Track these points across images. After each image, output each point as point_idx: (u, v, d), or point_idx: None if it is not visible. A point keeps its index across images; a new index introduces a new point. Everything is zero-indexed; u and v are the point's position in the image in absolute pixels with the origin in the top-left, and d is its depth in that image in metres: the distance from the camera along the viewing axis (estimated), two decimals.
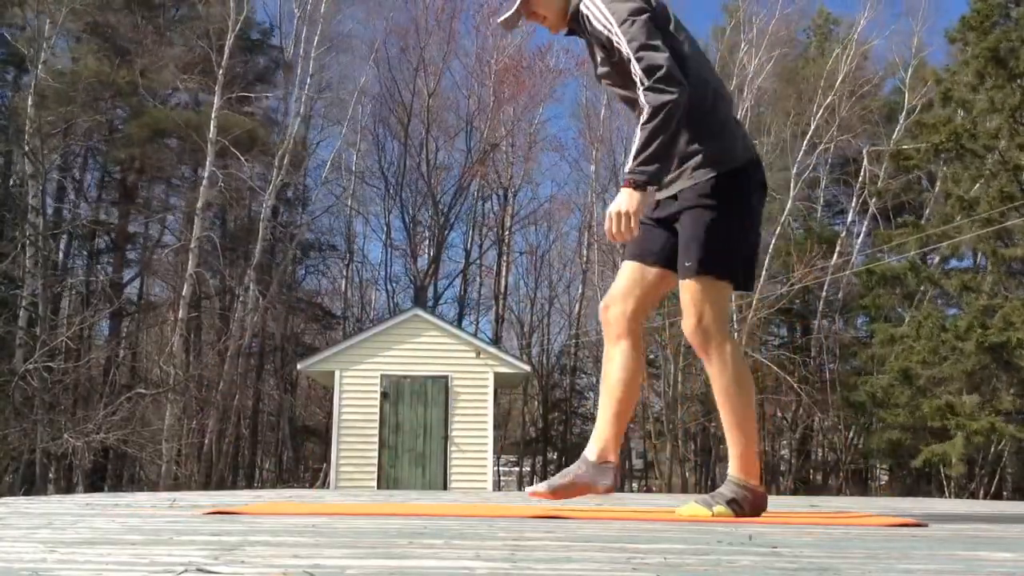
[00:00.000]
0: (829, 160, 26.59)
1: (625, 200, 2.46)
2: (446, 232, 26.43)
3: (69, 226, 21.98)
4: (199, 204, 20.75)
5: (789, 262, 23.82)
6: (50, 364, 16.94)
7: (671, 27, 2.60)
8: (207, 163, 20.48)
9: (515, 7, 2.66)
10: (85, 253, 24.08)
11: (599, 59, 2.66)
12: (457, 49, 27.06)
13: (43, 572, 1.15)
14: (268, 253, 23.41)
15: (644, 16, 2.51)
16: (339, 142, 25.29)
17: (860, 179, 25.25)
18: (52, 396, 17.84)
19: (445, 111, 26.77)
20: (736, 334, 23.20)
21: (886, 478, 26.43)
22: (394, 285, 27.57)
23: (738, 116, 19.33)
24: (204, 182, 20.68)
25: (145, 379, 21.40)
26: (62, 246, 22.72)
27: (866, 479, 26.63)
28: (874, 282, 20.46)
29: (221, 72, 20.82)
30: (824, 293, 25.08)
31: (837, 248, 24.72)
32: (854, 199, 25.85)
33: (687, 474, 23.63)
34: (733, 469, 2.58)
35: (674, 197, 2.62)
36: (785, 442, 26.33)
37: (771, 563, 1.33)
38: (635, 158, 2.45)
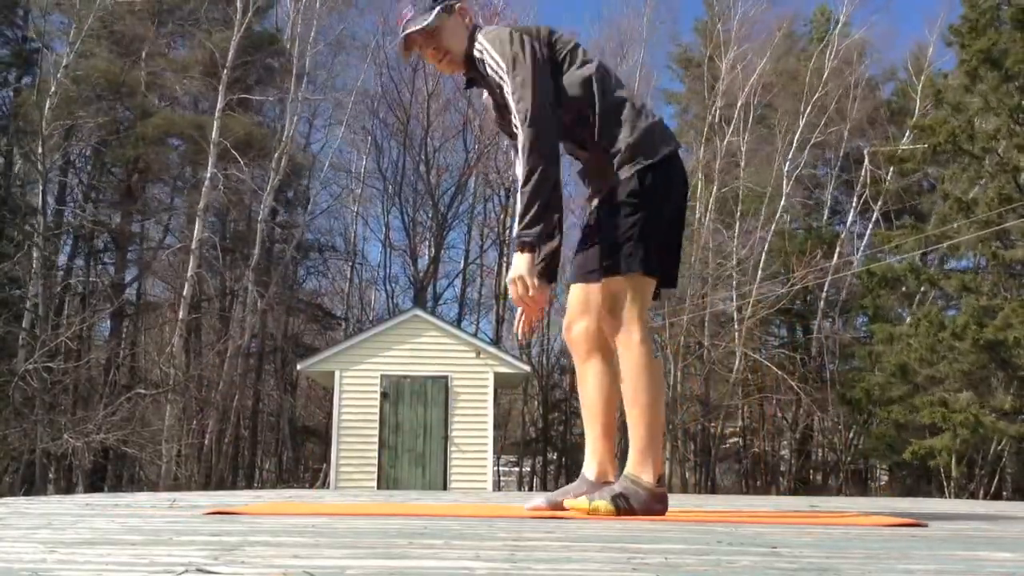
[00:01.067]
0: (839, 161, 26.62)
1: (517, 265, 2.52)
2: (445, 232, 26.44)
3: (70, 227, 21.97)
4: (200, 205, 20.75)
5: (788, 262, 23.85)
6: (50, 364, 16.94)
7: (559, 52, 2.61)
8: (209, 165, 20.48)
9: (423, 25, 2.63)
10: (86, 254, 24.09)
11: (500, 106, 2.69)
12: None
13: (43, 572, 1.15)
14: (268, 254, 23.42)
15: (527, 63, 2.53)
16: (338, 142, 25.35)
17: (861, 180, 25.28)
18: (52, 396, 17.84)
19: (444, 111, 26.79)
20: (736, 335, 23.23)
21: (886, 478, 26.46)
22: (394, 285, 27.58)
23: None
24: (206, 184, 20.67)
25: (145, 379, 21.40)
26: (66, 247, 22.74)
27: (866, 479, 26.65)
28: (874, 283, 20.49)
29: (225, 74, 20.80)
30: (825, 293, 25.11)
31: (837, 248, 24.74)
32: (855, 200, 25.88)
33: (687, 474, 23.63)
34: (629, 465, 2.52)
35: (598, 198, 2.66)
36: (785, 442, 26.34)
37: (771, 563, 1.33)
38: (519, 222, 2.51)
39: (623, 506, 2.44)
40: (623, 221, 2.54)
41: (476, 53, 2.62)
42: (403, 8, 2.70)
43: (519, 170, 2.53)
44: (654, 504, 2.47)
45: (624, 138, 2.58)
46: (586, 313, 2.73)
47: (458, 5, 2.68)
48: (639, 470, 2.49)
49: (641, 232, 2.54)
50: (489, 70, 2.59)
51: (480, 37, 2.63)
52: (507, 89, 2.54)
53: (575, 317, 2.75)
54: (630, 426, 2.55)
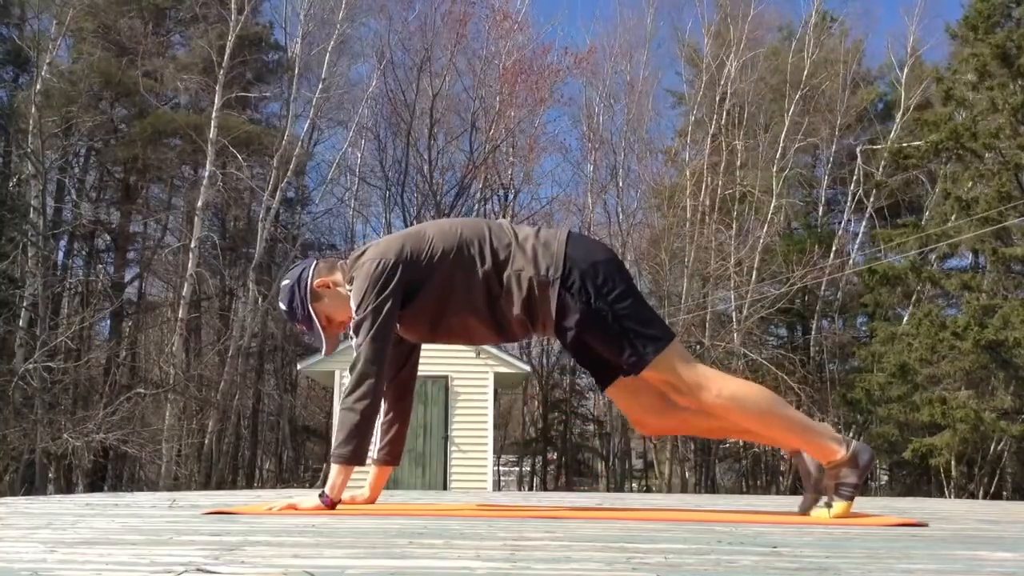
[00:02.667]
0: (831, 159, 26.65)
1: (331, 477, 2.55)
2: None
3: (69, 226, 21.98)
4: (199, 204, 20.77)
5: (789, 261, 23.87)
6: (50, 364, 16.94)
7: (418, 254, 2.58)
8: (207, 163, 20.51)
9: (323, 336, 2.71)
10: (85, 253, 24.08)
11: None
12: (463, 50, 27.11)
13: (43, 572, 1.15)
14: (269, 253, 23.41)
15: (372, 298, 2.52)
16: (346, 144, 25.34)
17: (855, 177, 25.30)
18: (52, 396, 17.84)
19: (449, 112, 26.78)
20: (736, 335, 23.25)
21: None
22: None
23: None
24: (204, 182, 20.71)
25: (145, 379, 21.40)
26: (62, 246, 22.73)
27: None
28: (875, 282, 20.49)
29: (222, 72, 20.83)
30: (823, 292, 25.10)
31: (834, 247, 24.75)
32: (849, 198, 25.91)
33: (687, 474, 23.64)
34: (825, 465, 2.54)
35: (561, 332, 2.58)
36: None
37: (771, 563, 1.33)
38: (340, 442, 2.53)
39: (850, 493, 2.49)
40: (599, 331, 2.51)
41: (347, 291, 2.65)
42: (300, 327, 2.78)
43: (347, 387, 2.56)
44: (865, 466, 2.52)
45: (527, 272, 2.53)
46: (637, 403, 2.68)
47: (315, 285, 2.69)
48: (828, 457, 2.51)
49: (621, 323, 2.49)
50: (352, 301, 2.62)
51: (353, 276, 2.63)
52: (352, 320, 2.58)
53: (635, 415, 2.71)
54: (787, 444, 2.60)
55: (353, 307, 2.58)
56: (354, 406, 2.51)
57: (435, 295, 2.57)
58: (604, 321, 2.49)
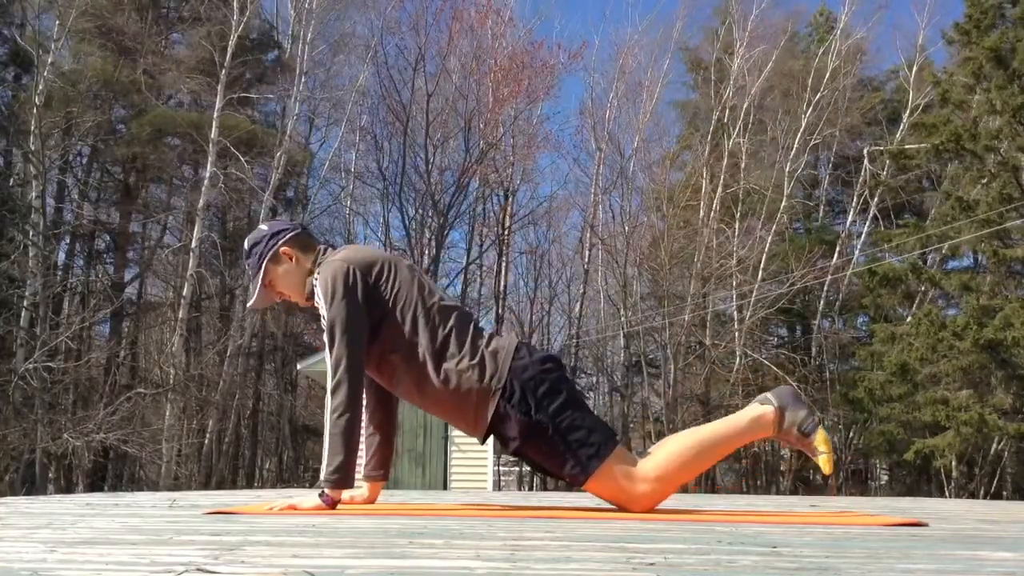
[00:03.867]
0: (832, 159, 26.67)
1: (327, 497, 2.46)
2: (446, 232, 26.43)
3: (70, 226, 21.98)
4: (200, 204, 20.78)
5: (788, 262, 23.88)
6: (50, 364, 16.95)
7: (385, 280, 2.57)
8: (208, 164, 20.51)
9: (258, 289, 2.70)
10: (85, 253, 24.09)
11: None
12: (456, 48, 27.07)
13: (43, 572, 1.15)
14: None
15: (343, 302, 2.50)
16: (337, 142, 25.35)
17: (861, 178, 25.31)
18: (52, 396, 17.85)
19: (444, 110, 26.76)
20: (736, 334, 23.24)
21: (886, 478, 26.47)
22: None
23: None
24: (205, 182, 20.71)
25: (145, 379, 21.42)
26: (63, 246, 22.73)
27: (866, 479, 26.67)
28: (875, 283, 20.51)
29: (224, 73, 20.84)
30: (824, 293, 25.12)
31: (837, 248, 24.77)
32: (854, 199, 25.92)
33: None
34: (771, 434, 2.61)
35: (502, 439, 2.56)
36: None
37: (771, 563, 1.33)
38: (327, 464, 2.45)
39: (812, 425, 2.54)
40: (540, 443, 2.47)
41: (314, 283, 2.62)
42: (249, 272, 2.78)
43: (327, 401, 2.49)
44: (792, 397, 2.58)
45: (467, 374, 2.50)
46: (619, 488, 2.53)
47: (282, 250, 2.68)
48: (770, 426, 2.57)
49: (563, 435, 2.46)
50: (319, 307, 2.59)
51: (319, 269, 2.61)
52: (323, 322, 2.55)
53: (621, 501, 2.57)
54: (736, 447, 2.70)
55: (321, 306, 2.54)
56: (346, 430, 2.45)
57: (380, 335, 2.55)
58: (544, 433, 2.46)
